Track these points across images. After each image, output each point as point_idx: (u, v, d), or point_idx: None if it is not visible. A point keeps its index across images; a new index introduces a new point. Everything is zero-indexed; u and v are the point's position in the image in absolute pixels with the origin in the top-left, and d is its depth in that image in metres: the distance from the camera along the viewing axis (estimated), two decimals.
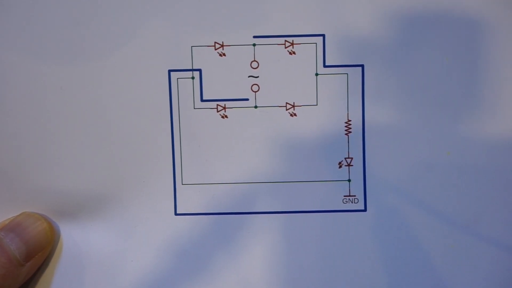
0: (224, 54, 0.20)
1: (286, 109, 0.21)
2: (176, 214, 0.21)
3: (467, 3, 0.20)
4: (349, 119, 0.21)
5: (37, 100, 0.21)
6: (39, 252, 0.20)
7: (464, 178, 0.20)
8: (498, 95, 0.20)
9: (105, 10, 0.20)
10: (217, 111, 0.21)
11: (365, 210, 0.21)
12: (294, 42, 0.20)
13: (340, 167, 0.21)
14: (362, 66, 0.20)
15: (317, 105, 0.21)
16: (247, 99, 0.21)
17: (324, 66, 0.20)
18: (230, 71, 0.20)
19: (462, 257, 0.21)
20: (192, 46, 0.20)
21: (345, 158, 0.21)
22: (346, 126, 0.21)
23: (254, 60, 0.20)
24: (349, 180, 0.21)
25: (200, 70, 0.20)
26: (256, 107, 0.21)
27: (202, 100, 0.21)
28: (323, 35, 0.20)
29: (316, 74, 0.20)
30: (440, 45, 0.20)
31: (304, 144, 0.21)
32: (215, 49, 0.20)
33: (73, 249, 0.21)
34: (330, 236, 0.21)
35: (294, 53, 0.20)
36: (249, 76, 0.21)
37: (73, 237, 0.21)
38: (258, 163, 0.21)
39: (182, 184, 0.21)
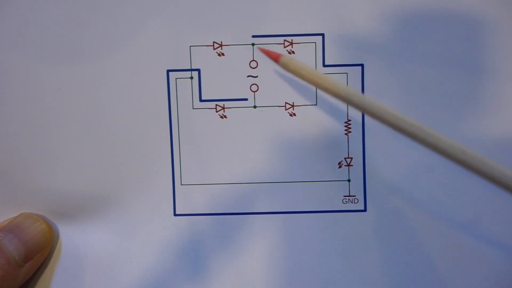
0: (223, 54, 0.20)
1: (286, 109, 0.20)
2: (175, 214, 0.21)
3: (467, 2, 0.20)
4: (349, 118, 0.20)
5: (35, 100, 0.20)
6: (38, 253, 0.20)
7: (464, 178, 0.20)
8: (499, 95, 0.20)
9: (103, 10, 0.20)
10: (216, 111, 0.21)
11: (365, 210, 0.21)
12: (293, 42, 0.20)
13: (340, 167, 0.21)
14: (362, 65, 0.20)
15: (316, 104, 0.20)
16: (246, 99, 0.20)
17: (324, 65, 0.20)
18: (229, 71, 0.20)
19: (462, 257, 0.20)
20: (190, 46, 0.20)
21: (345, 158, 0.21)
22: (345, 126, 0.20)
23: (253, 60, 0.20)
24: (349, 180, 0.21)
25: (198, 70, 0.20)
26: (255, 107, 0.21)
27: (201, 100, 0.21)
28: (323, 35, 0.20)
29: None
30: (441, 45, 0.20)
31: (303, 144, 0.21)
32: (214, 49, 0.20)
33: (72, 249, 0.21)
34: (330, 236, 0.21)
35: (293, 52, 0.20)
36: (248, 76, 0.20)
37: (72, 238, 0.21)
38: (258, 163, 0.21)
39: (181, 185, 0.21)
